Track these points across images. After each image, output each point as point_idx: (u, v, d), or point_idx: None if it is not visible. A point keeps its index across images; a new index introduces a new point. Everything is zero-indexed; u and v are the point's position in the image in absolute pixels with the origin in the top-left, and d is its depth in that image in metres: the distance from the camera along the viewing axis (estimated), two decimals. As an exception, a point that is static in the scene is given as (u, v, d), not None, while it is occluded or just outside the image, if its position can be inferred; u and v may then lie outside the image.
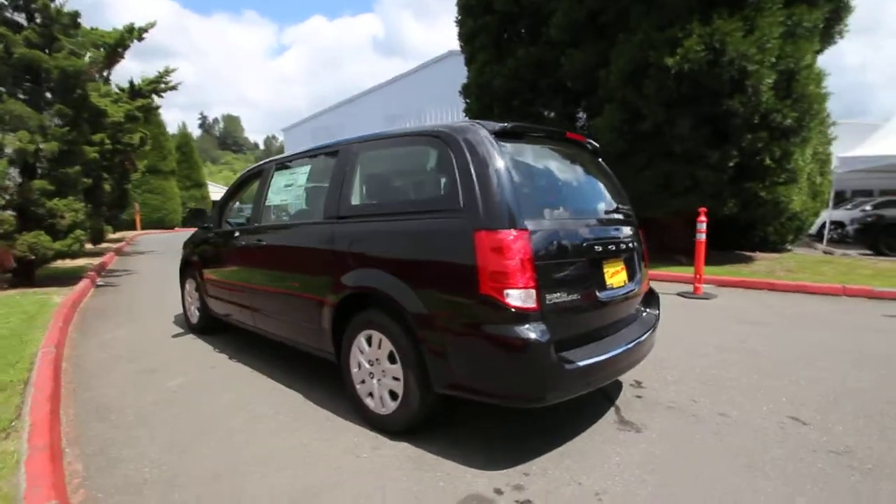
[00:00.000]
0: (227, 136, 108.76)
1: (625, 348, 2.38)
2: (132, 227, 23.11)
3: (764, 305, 5.66)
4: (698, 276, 6.13)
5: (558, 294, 2.14)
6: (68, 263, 8.48)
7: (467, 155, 2.20)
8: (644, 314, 2.87)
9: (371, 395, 2.61)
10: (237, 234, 3.81)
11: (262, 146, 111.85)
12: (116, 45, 6.66)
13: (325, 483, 2.09)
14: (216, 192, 48.79)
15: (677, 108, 7.12)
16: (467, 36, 10.34)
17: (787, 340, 4.22)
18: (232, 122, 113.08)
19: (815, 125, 7.41)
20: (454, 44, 11.46)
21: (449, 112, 19.20)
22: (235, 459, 2.30)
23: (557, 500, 1.95)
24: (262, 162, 3.91)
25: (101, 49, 6.63)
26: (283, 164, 3.53)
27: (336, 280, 2.69)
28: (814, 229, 12.51)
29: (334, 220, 2.78)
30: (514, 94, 9.43)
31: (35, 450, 2.13)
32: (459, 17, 10.51)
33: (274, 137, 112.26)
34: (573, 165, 2.68)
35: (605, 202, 2.72)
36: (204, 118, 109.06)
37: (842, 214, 14.64)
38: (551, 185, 2.44)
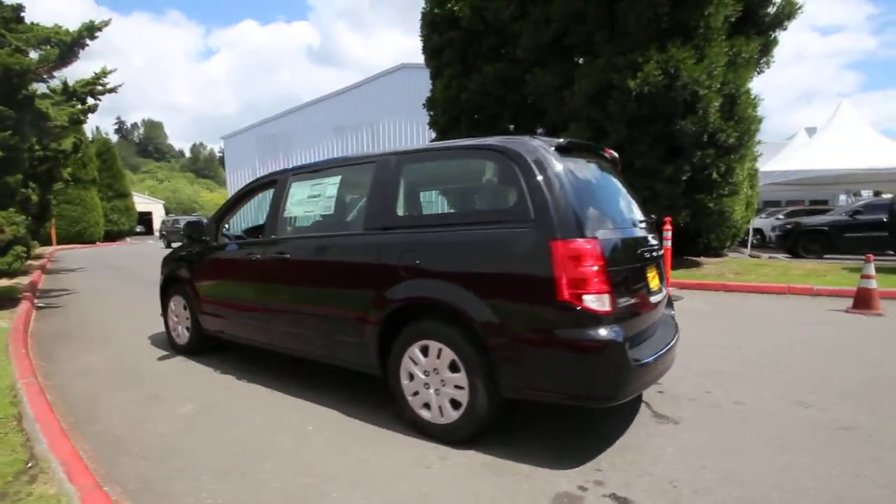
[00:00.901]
0: (147, 143, 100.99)
1: (666, 348, 2.58)
2: (47, 241, 20.77)
3: (724, 305, 6.26)
4: (666, 280, 6.63)
5: (623, 297, 2.30)
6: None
7: (535, 169, 2.31)
8: (667, 315, 3.11)
9: (427, 405, 2.60)
10: (247, 247, 3.63)
11: (188, 153, 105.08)
12: (73, 44, 6.06)
13: (410, 496, 2.07)
14: (142, 203, 45.18)
15: (637, 127, 7.72)
16: (433, 50, 10.53)
17: (758, 334, 4.71)
18: (153, 127, 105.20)
19: (752, 143, 8.35)
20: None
21: (402, 124, 19.30)
22: (303, 481, 2.21)
23: (638, 491, 2.08)
24: (271, 173, 3.77)
25: (55, 47, 6.00)
26: (302, 175, 3.44)
27: (384, 292, 2.68)
28: (739, 236, 13.93)
29: (379, 231, 2.77)
30: (480, 109, 9.72)
31: (86, 490, 1.91)
32: (424, 33, 10.69)
33: (202, 145, 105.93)
34: (609, 178, 2.87)
35: (635, 211, 2.94)
36: (121, 123, 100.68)
37: (759, 222, 16.42)
38: (601, 197, 2.60)
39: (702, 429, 2.68)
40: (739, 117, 7.81)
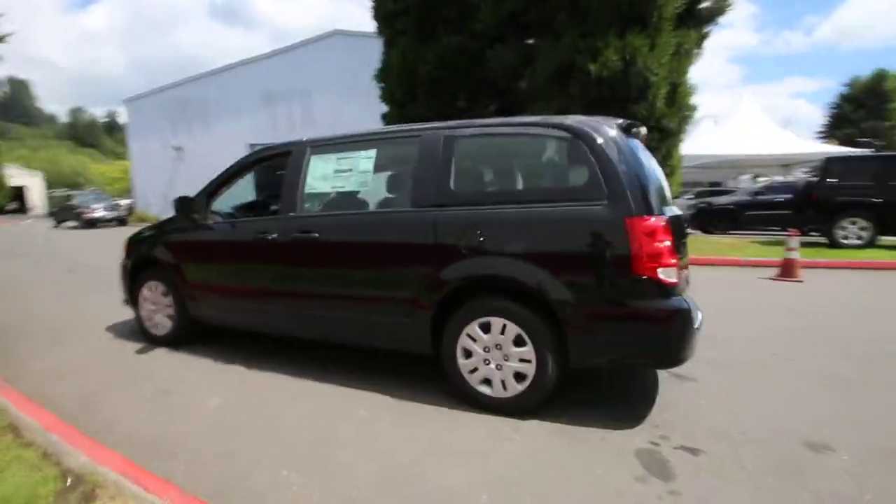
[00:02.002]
0: (13, 106, 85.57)
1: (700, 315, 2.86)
2: None
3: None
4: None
5: (681, 270, 2.50)
6: None
7: (607, 148, 2.39)
8: None
9: (488, 381, 2.65)
10: (256, 226, 3.34)
11: (64, 118, 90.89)
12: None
13: (511, 467, 2.13)
14: (15, 176, 38.47)
15: (596, 110, 8.10)
16: (386, 17, 10.08)
17: (719, 300, 5.33)
18: (20, 87, 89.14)
19: (686, 129, 9.19)
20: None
21: (339, 95, 18.36)
22: (389, 464, 2.17)
23: (699, 440, 2.33)
24: (282, 143, 3.45)
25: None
26: (324, 147, 3.21)
27: (441, 271, 2.64)
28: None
29: (432, 208, 2.71)
30: (440, 83, 9.56)
31: (176, 500, 1.72)
32: (376, -2, 10.18)
33: (81, 108, 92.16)
34: (650, 157, 3.02)
35: (667, 188, 3.15)
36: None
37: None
38: (653, 175, 2.75)
39: (718, 384, 3.02)
40: (680, 104, 8.53)
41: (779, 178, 15.42)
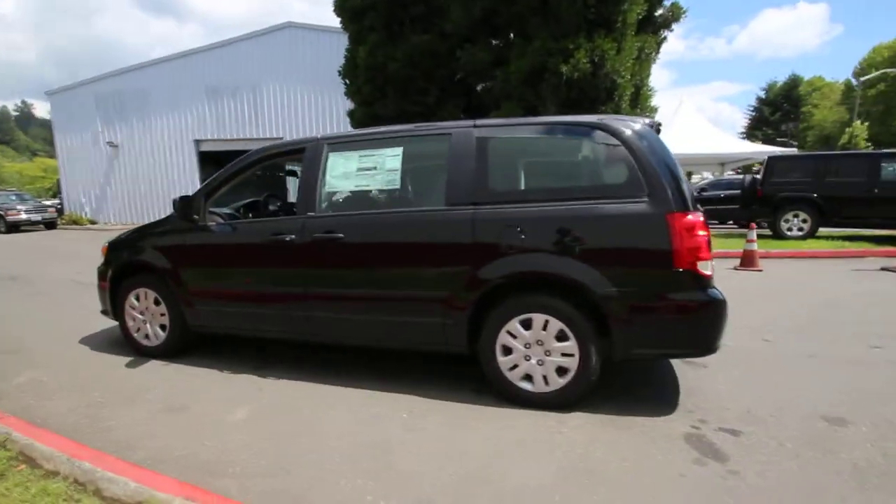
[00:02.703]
0: None
1: None
2: None
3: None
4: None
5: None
6: None
7: (643, 146, 2.49)
8: None
9: (528, 377, 2.68)
10: (266, 227, 3.17)
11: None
12: None
13: (575, 458, 2.17)
14: None
15: (567, 110, 8.38)
16: (353, 13, 9.85)
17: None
18: None
19: (646, 130, 9.70)
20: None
21: (291, 91, 17.70)
22: (463, 467, 2.14)
23: (733, 422, 2.49)
24: (294, 140, 3.28)
25: None
26: (343, 144, 3.09)
27: (480, 269, 2.64)
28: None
29: (468, 207, 2.69)
30: (409, 81, 9.47)
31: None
32: (341, -10, 9.91)
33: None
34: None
35: None
36: None
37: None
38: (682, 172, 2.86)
39: (728, 370, 3.22)
40: (642, 106, 9.00)
41: (708, 176, 16.62)
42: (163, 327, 3.59)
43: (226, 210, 3.68)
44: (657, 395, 2.84)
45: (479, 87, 9.92)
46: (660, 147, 2.51)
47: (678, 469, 2.10)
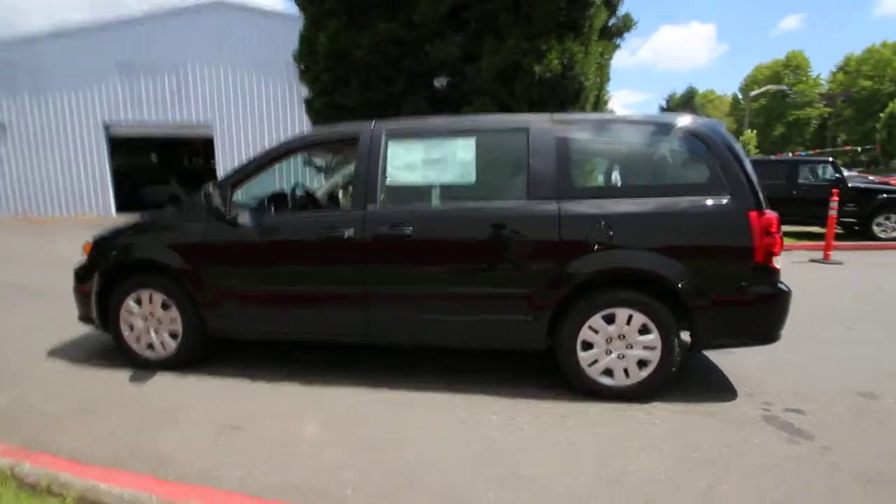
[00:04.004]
0: None
1: None
2: None
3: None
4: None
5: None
6: None
7: (726, 146, 2.61)
8: None
9: (608, 371, 2.71)
10: (315, 221, 2.88)
11: None
12: None
13: (685, 448, 2.23)
14: None
15: (537, 108, 8.58)
16: (311, -6, 9.24)
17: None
18: None
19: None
20: None
21: (225, 72, 16.24)
22: (585, 466, 2.11)
23: (794, 402, 2.71)
24: (339, 126, 2.98)
25: None
26: (404, 133, 2.89)
27: (567, 265, 2.62)
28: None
29: (552, 201, 2.64)
30: (375, 69, 9.11)
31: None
32: (298, -31, 9.25)
33: None
34: None
35: None
36: None
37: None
38: None
39: (753, 353, 3.45)
40: (601, 108, 9.49)
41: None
42: (173, 335, 3.12)
43: (249, 202, 3.26)
44: (710, 382, 3.01)
45: (441, 83, 9.81)
46: (737, 147, 2.65)
47: (780, 450, 2.24)
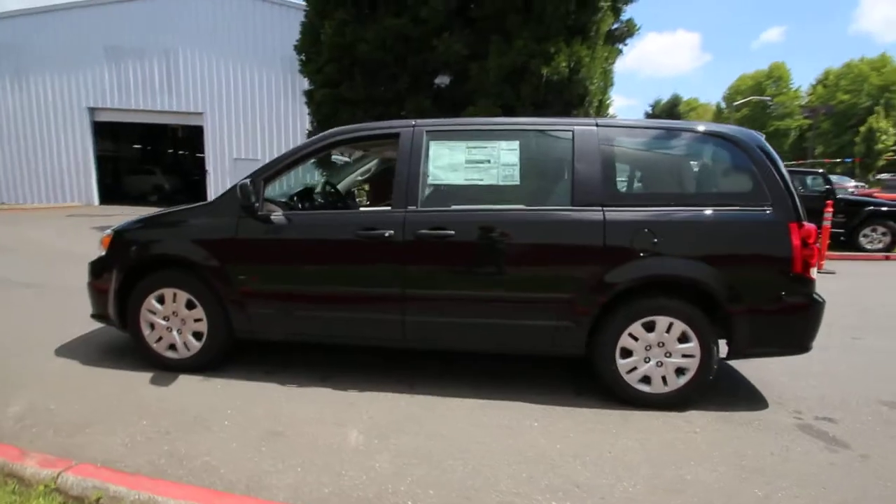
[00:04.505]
0: None
1: None
2: None
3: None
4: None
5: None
6: None
7: (765, 157, 2.64)
8: None
9: (646, 379, 2.72)
10: (354, 220, 2.81)
11: None
12: None
13: (732, 456, 2.25)
14: None
15: (543, 111, 8.60)
16: (317, -16, 9.07)
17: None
18: None
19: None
20: None
21: (218, 59, 15.86)
22: (638, 475, 2.11)
23: (819, 409, 2.77)
24: (379, 124, 2.92)
25: None
26: (446, 133, 2.85)
27: (610, 271, 2.62)
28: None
29: (596, 208, 2.64)
30: (382, 66, 9.00)
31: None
32: (303, -41, 9.06)
33: None
34: None
35: None
36: None
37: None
38: None
39: (774, 361, 3.48)
40: (603, 115, 9.57)
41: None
42: (196, 335, 3.01)
43: (279, 199, 3.18)
44: (740, 391, 3.05)
45: (443, 81, 9.74)
46: (778, 160, 2.69)
47: (822, 458, 2.28)
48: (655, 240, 2.60)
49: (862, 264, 8.68)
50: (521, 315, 2.74)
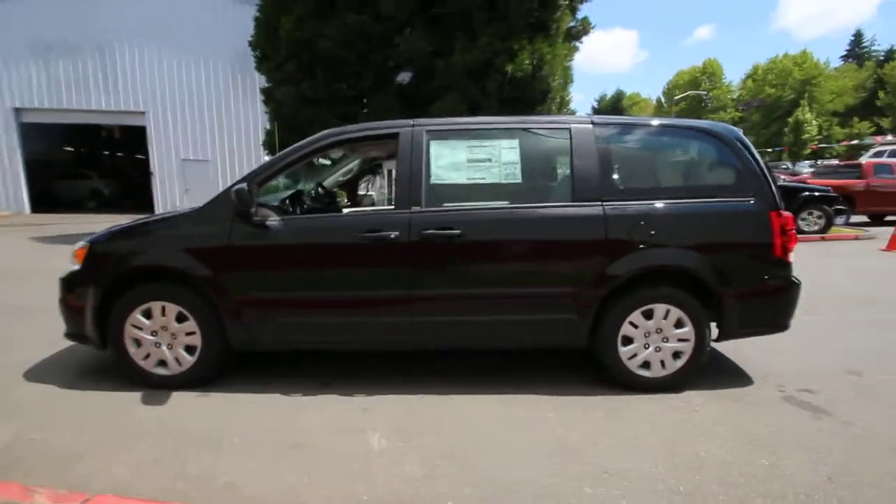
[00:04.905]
0: None
1: None
2: None
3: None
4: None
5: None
6: None
7: (745, 150, 2.83)
8: None
9: (646, 364, 2.85)
10: (358, 222, 2.77)
11: None
12: None
13: (739, 431, 2.41)
14: None
15: (507, 107, 8.74)
16: (273, -23, 8.73)
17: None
18: None
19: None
20: None
21: (162, 54, 14.92)
22: (659, 457, 2.22)
23: (802, 382, 3.00)
24: (376, 124, 2.86)
25: None
26: (446, 133, 2.84)
27: (611, 264, 2.72)
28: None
29: (595, 203, 2.73)
30: (344, 63, 8.81)
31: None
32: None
33: None
34: None
35: None
36: None
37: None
38: None
39: (751, 339, 3.77)
40: (566, 110, 9.86)
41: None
42: (189, 349, 2.86)
43: (272, 203, 3.05)
44: (724, 368, 3.26)
45: (404, 79, 9.66)
46: (756, 152, 2.88)
47: (811, 426, 2.49)
48: (653, 231, 2.73)
49: (801, 246, 9.42)
50: (528, 310, 2.79)
